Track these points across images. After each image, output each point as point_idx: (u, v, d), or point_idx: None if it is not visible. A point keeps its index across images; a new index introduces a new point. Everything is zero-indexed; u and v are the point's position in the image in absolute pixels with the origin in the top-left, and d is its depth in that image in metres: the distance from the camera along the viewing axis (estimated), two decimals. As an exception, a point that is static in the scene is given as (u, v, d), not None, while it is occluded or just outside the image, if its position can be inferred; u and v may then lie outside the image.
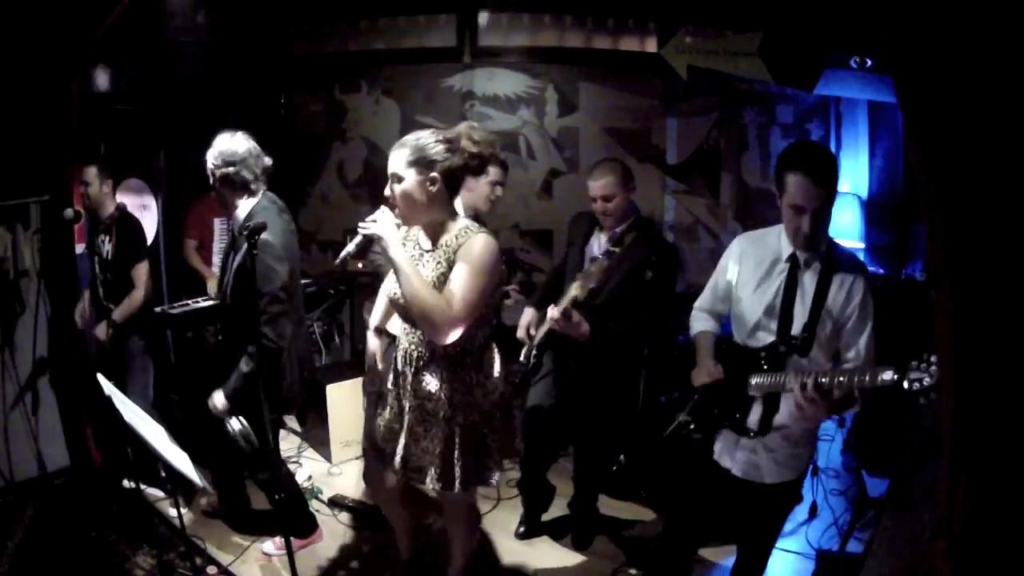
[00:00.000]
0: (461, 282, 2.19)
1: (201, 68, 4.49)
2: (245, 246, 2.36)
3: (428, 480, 2.40)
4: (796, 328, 2.22)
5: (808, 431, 2.33)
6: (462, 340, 2.29)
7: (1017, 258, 1.38)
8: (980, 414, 1.47)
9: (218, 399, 2.74)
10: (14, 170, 3.16)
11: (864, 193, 4.59)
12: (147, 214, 4.26)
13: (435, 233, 2.34)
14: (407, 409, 2.42)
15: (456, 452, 2.36)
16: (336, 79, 5.01)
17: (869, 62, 3.94)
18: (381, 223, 2.24)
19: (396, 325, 2.63)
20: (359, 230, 2.27)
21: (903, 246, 4.43)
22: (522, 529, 3.43)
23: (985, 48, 1.35)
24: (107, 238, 3.60)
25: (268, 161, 2.89)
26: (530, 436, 3.29)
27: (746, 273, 2.37)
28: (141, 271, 3.62)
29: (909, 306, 3.85)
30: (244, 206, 2.82)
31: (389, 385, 2.51)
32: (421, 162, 2.23)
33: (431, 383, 2.36)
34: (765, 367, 2.23)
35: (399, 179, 2.25)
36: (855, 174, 4.67)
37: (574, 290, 2.76)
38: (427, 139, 2.26)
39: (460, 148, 2.27)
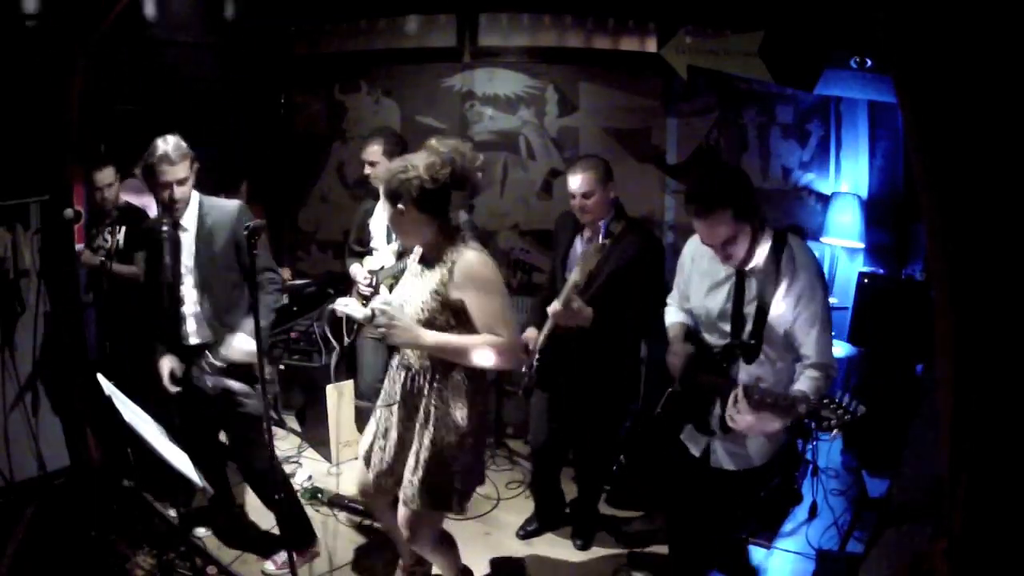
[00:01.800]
0: (486, 308, 2.23)
1: (201, 68, 4.49)
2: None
3: (401, 495, 2.41)
4: (747, 332, 2.26)
5: None
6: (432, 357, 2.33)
7: (1017, 259, 1.38)
8: (980, 414, 1.47)
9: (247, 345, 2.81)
10: (14, 170, 3.16)
11: (864, 193, 4.59)
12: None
13: (432, 251, 2.35)
14: (394, 422, 2.44)
15: (425, 471, 2.36)
16: (336, 79, 5.00)
17: (869, 62, 3.93)
18: (397, 328, 2.22)
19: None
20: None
21: (903, 246, 4.43)
22: (523, 531, 3.43)
23: (985, 49, 1.35)
24: (118, 228, 3.72)
25: None
26: (537, 443, 3.31)
27: (698, 275, 2.44)
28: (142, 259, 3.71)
29: (909, 306, 3.85)
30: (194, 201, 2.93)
31: (387, 398, 2.52)
32: (387, 195, 2.28)
33: (415, 398, 2.38)
34: (721, 365, 2.31)
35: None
36: (855, 174, 4.66)
37: (574, 276, 2.78)
38: (390, 173, 2.27)
39: (419, 173, 2.23)
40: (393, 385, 2.49)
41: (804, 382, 2.18)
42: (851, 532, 3.16)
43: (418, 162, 2.25)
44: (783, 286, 2.20)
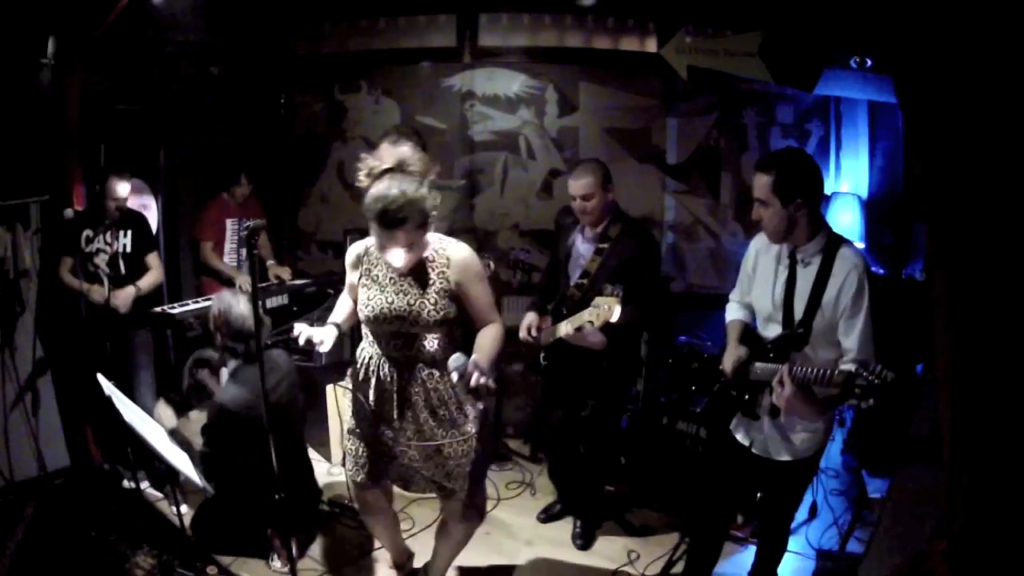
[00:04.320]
0: (483, 296, 2.42)
1: (201, 68, 4.49)
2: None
3: (439, 489, 2.51)
4: (797, 321, 2.35)
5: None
6: (442, 345, 2.39)
7: (1016, 260, 1.38)
8: (980, 415, 1.47)
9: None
10: (14, 170, 3.16)
11: (864, 193, 4.59)
12: (147, 214, 4.26)
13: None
14: (396, 417, 2.44)
15: (457, 457, 2.46)
16: (336, 79, 5.00)
17: (869, 62, 3.94)
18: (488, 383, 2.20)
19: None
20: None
21: (903, 246, 4.43)
22: (544, 515, 3.55)
23: (984, 50, 1.35)
24: (123, 233, 3.71)
25: None
26: (554, 416, 3.38)
27: (760, 267, 2.55)
28: (155, 258, 3.85)
29: (909, 306, 3.85)
30: None
31: (374, 392, 2.47)
32: (411, 219, 2.25)
33: (419, 390, 2.41)
34: (772, 356, 2.38)
35: None
36: (855, 174, 4.66)
37: (588, 315, 2.79)
38: (405, 198, 2.24)
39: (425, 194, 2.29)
40: (391, 384, 2.44)
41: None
42: (851, 532, 3.16)
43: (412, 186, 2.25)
44: (834, 276, 2.28)
